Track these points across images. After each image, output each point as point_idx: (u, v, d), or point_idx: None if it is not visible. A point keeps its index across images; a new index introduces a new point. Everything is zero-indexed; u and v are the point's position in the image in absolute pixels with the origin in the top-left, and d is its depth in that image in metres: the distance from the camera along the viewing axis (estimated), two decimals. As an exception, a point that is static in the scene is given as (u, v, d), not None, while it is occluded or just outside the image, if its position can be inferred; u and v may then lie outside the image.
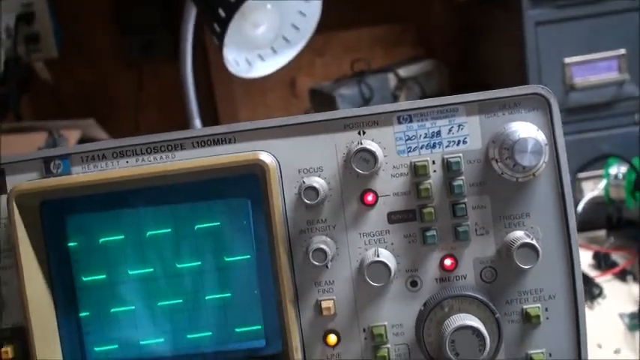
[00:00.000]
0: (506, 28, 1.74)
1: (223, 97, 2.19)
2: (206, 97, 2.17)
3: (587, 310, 1.31)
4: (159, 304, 0.81)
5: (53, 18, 1.98)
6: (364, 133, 0.76)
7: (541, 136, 0.73)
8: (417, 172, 0.75)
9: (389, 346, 0.77)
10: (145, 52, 2.19)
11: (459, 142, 0.76)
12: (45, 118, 2.04)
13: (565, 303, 0.77)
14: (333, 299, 0.77)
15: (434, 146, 0.76)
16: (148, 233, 0.80)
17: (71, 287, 0.81)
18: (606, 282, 1.47)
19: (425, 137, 0.76)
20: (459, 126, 0.76)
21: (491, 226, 0.76)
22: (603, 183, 1.60)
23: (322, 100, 1.85)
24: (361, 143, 0.74)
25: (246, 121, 0.78)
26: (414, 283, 0.77)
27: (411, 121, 0.76)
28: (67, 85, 2.14)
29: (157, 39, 2.15)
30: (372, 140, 0.76)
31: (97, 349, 0.82)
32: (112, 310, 0.81)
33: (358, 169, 0.73)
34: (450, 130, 0.76)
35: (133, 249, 0.80)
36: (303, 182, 0.74)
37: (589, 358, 1.21)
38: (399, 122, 0.76)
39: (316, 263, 0.73)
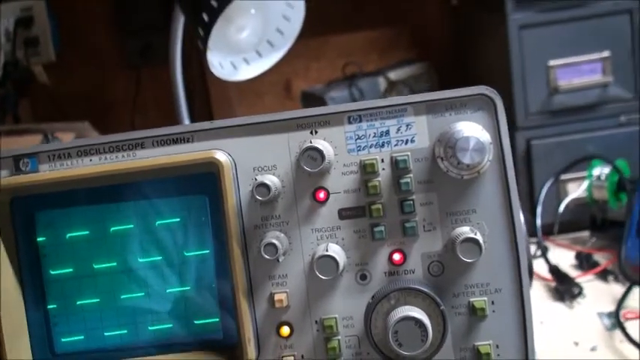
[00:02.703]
0: (492, 32, 1.76)
1: (219, 100, 2.22)
2: (203, 100, 2.21)
3: (566, 309, 1.34)
4: (122, 296, 0.83)
5: (51, 22, 2.01)
6: (316, 132, 0.79)
7: (485, 136, 0.75)
8: (366, 170, 0.78)
9: (339, 337, 0.80)
10: (144, 55, 2.22)
11: (406, 141, 0.78)
12: (43, 121, 2.07)
13: (511, 296, 0.79)
14: (286, 292, 0.80)
15: (383, 145, 0.78)
16: (112, 229, 0.83)
17: (40, 281, 0.84)
18: (588, 282, 1.48)
19: (374, 136, 0.78)
20: (407, 126, 0.78)
21: (438, 222, 0.79)
22: (586, 184, 1.62)
23: (313, 102, 1.88)
24: (310, 142, 0.76)
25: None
26: (363, 277, 0.79)
27: (360, 120, 0.79)
28: (65, 88, 2.17)
29: (156, 42, 2.18)
30: (324, 139, 0.79)
31: (63, 340, 0.85)
32: (78, 302, 0.84)
33: (306, 167, 0.76)
34: (398, 130, 0.78)
35: (98, 244, 0.83)
36: (256, 179, 0.77)
37: (565, 354, 1.24)
38: (350, 122, 0.79)
39: (267, 257, 0.76)
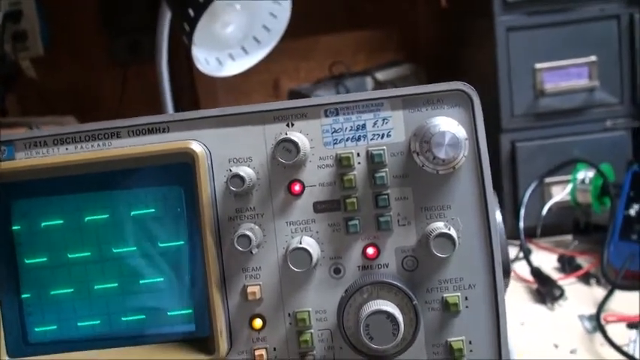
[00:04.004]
0: (480, 34, 1.77)
1: (206, 99, 2.22)
2: (190, 100, 2.20)
3: (547, 311, 1.35)
4: (96, 287, 0.83)
5: (40, 16, 2.00)
6: (292, 125, 0.79)
7: (461, 131, 0.75)
8: (342, 163, 0.78)
9: (312, 331, 0.79)
10: (132, 52, 2.22)
11: (383, 135, 0.78)
12: (30, 115, 2.07)
13: (485, 292, 0.79)
14: (259, 285, 0.79)
15: (359, 139, 0.78)
16: (87, 218, 0.82)
17: (14, 270, 0.84)
18: (570, 284, 1.49)
19: (350, 130, 0.78)
20: (383, 120, 0.78)
21: (413, 216, 0.78)
22: (570, 187, 1.62)
23: (300, 101, 1.87)
24: (286, 134, 0.76)
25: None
26: (337, 271, 0.79)
27: (337, 114, 0.78)
28: (53, 83, 2.17)
29: (144, 39, 2.18)
30: (300, 132, 0.78)
31: (37, 329, 0.84)
32: (52, 292, 0.84)
33: (281, 159, 0.75)
34: (374, 124, 0.78)
35: (73, 233, 0.83)
36: (230, 171, 0.77)
37: (544, 356, 1.24)
38: (326, 115, 0.79)
39: (240, 249, 0.76)
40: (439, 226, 0.77)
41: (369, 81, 1.94)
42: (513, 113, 1.68)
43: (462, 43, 2.00)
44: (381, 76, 1.94)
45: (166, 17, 1.55)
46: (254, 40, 1.51)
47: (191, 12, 1.35)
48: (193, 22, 1.35)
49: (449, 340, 0.79)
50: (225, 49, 1.50)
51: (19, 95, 2.19)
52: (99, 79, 2.25)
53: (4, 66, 1.99)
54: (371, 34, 2.24)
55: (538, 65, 1.67)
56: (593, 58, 1.67)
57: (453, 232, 0.75)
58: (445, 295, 0.79)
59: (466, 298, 0.79)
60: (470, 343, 0.79)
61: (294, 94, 1.94)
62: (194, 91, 2.20)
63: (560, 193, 1.66)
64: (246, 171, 0.77)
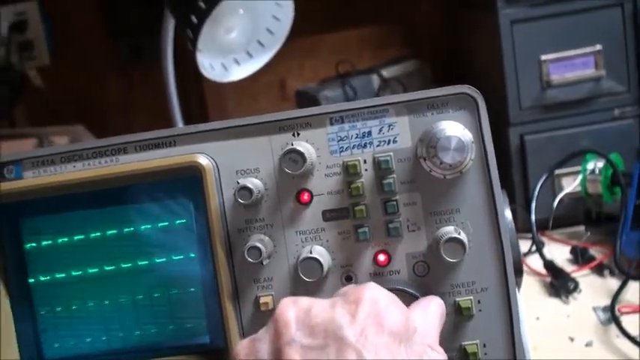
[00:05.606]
0: (484, 27, 1.76)
1: (214, 102, 2.22)
2: (198, 102, 2.20)
3: (561, 305, 1.34)
4: (109, 301, 0.84)
5: (46, 26, 2.01)
6: (298, 134, 0.79)
7: (467, 135, 0.75)
8: (349, 171, 0.77)
9: (326, 339, 0.79)
10: (136, 56, 2.22)
11: (389, 141, 0.78)
12: (38, 124, 2.07)
13: (497, 295, 0.78)
14: (271, 295, 0.79)
15: (365, 146, 0.78)
16: (97, 234, 0.83)
17: (27, 287, 0.85)
18: (583, 276, 1.48)
19: (356, 137, 0.78)
20: (389, 126, 0.78)
21: (422, 222, 0.78)
22: (580, 178, 1.62)
23: (307, 101, 1.87)
24: (292, 144, 0.76)
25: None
26: (348, 278, 0.79)
27: (342, 122, 0.78)
28: (60, 91, 2.17)
29: (148, 43, 2.17)
30: (306, 141, 0.78)
31: (52, 346, 0.85)
32: (66, 308, 0.84)
33: (288, 170, 0.75)
34: (380, 130, 0.78)
35: (84, 249, 0.83)
36: (238, 183, 0.77)
37: (560, 350, 1.23)
38: (332, 123, 0.78)
39: (251, 260, 0.76)
40: (449, 230, 0.77)
41: (374, 79, 1.93)
42: (521, 106, 1.67)
43: (465, 36, 1.99)
44: (386, 73, 1.93)
45: (170, 23, 1.55)
46: (258, 43, 1.52)
47: (194, 19, 1.35)
48: (197, 29, 1.35)
49: (463, 344, 0.79)
50: (230, 54, 1.51)
51: (27, 105, 2.19)
52: (106, 85, 2.25)
53: (12, 77, 1.99)
54: (374, 31, 2.24)
55: (543, 57, 1.66)
56: (598, 47, 1.66)
57: (463, 237, 0.75)
58: (457, 299, 0.79)
59: (479, 302, 0.79)
60: (484, 346, 0.79)
61: (301, 95, 1.93)
62: (201, 94, 2.20)
63: (570, 185, 1.65)
64: (253, 182, 0.77)
